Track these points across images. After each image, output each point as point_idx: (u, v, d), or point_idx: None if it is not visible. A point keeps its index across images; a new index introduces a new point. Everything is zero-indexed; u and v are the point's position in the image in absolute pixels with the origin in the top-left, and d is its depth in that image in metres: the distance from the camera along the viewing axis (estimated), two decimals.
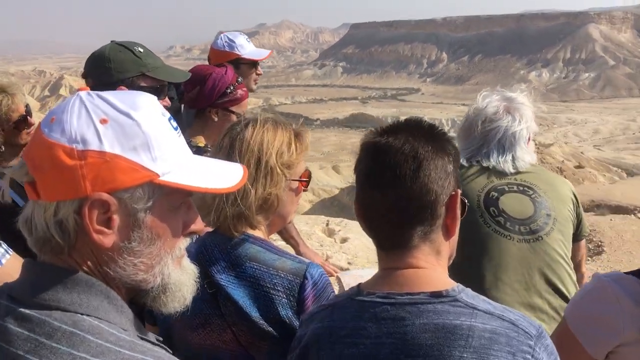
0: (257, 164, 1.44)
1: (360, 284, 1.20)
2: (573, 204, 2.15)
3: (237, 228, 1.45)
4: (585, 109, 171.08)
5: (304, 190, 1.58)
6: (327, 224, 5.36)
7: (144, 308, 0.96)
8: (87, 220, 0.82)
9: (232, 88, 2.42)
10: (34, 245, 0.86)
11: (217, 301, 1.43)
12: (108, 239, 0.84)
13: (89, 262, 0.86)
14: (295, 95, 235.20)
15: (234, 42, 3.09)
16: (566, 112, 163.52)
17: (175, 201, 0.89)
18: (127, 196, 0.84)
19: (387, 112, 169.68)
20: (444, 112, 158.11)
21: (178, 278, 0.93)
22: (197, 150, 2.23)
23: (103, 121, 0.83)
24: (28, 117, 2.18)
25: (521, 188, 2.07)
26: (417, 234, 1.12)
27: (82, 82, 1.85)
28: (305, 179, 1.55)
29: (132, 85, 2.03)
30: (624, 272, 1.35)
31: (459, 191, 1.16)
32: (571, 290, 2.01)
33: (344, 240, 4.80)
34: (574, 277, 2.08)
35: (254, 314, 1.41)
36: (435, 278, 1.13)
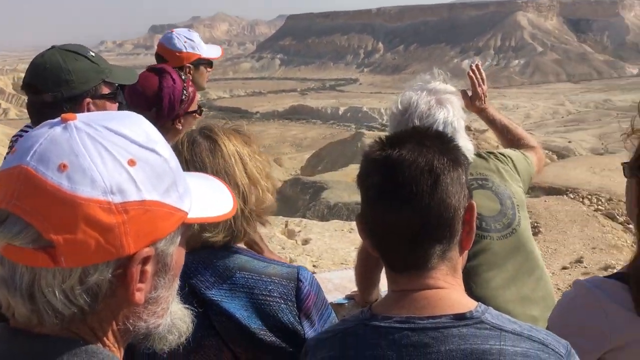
0: (245, 172, 1.42)
1: (371, 306, 1.12)
2: (516, 169, 2.16)
3: (229, 241, 1.41)
4: (516, 95, 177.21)
5: None
6: (286, 225, 5.27)
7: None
8: (131, 282, 0.73)
9: (185, 92, 2.34)
10: (30, 316, 0.71)
11: (209, 319, 1.36)
12: (142, 294, 0.75)
13: (105, 325, 0.76)
14: (233, 88, 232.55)
15: (193, 41, 3.00)
16: (499, 98, 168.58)
17: (186, 234, 0.83)
18: (163, 243, 0.76)
19: (326, 103, 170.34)
20: (382, 101, 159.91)
21: (177, 309, 0.86)
22: None
23: (131, 162, 0.71)
24: None
25: (479, 182, 2.04)
26: (436, 254, 1.06)
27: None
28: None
29: (95, 95, 1.94)
30: (605, 277, 1.34)
31: (474, 203, 1.10)
32: (542, 264, 2.10)
33: (305, 242, 4.73)
34: (539, 252, 2.14)
35: (254, 324, 1.36)
36: (456, 299, 1.07)
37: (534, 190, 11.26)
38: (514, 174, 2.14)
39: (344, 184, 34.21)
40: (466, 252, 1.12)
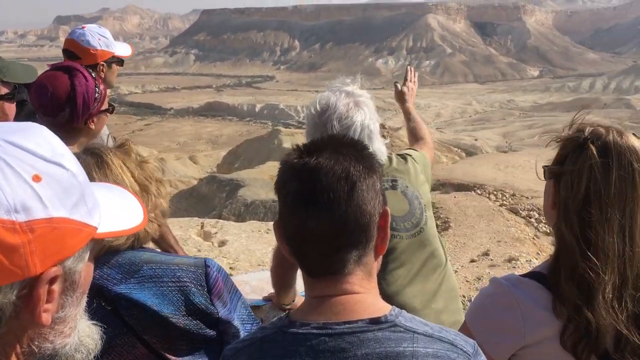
0: (134, 179, 1.46)
1: (289, 313, 1.14)
2: (422, 170, 2.26)
3: (132, 244, 1.43)
4: (427, 94, 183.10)
5: None
6: (202, 227, 5.18)
7: None
8: (37, 304, 0.68)
9: (97, 90, 2.24)
10: None
11: (119, 316, 1.36)
12: (49, 315, 0.70)
13: (8, 350, 0.70)
14: (145, 84, 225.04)
15: (107, 38, 2.94)
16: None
17: (96, 249, 0.79)
18: (71, 261, 0.72)
19: (242, 100, 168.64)
20: (298, 99, 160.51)
21: (84, 327, 0.81)
22: None
23: (36, 178, 0.66)
24: None
25: (390, 184, 2.12)
26: (352, 259, 1.08)
27: None
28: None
29: None
30: (521, 275, 1.38)
31: (388, 209, 1.12)
32: (445, 260, 2.24)
33: (222, 244, 4.66)
34: (443, 249, 2.26)
35: (166, 310, 1.36)
36: (371, 303, 1.10)
37: (444, 186, 11.71)
38: (420, 174, 2.23)
39: (260, 182, 34.06)
40: (381, 256, 1.15)
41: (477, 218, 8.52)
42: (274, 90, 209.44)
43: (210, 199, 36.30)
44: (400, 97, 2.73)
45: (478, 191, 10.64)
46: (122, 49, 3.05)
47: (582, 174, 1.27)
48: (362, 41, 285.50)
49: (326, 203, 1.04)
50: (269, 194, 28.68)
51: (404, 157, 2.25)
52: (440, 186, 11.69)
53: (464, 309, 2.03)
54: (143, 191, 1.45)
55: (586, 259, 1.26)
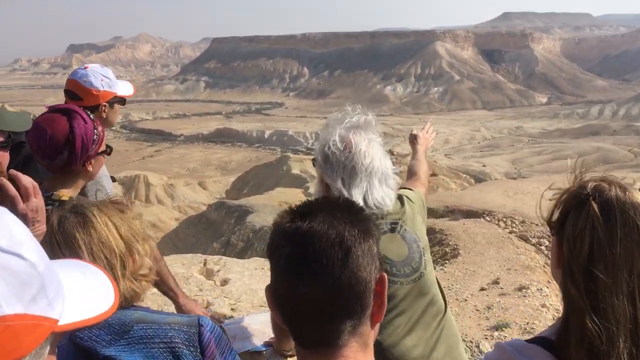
0: (120, 237, 1.42)
1: None
2: (419, 211, 2.23)
3: (121, 305, 1.39)
4: (436, 121, 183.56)
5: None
6: (205, 264, 5.15)
7: None
8: None
9: (96, 132, 2.20)
10: None
11: None
12: None
13: None
14: (156, 110, 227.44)
15: (110, 79, 2.91)
16: (420, 124, 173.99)
17: (58, 340, 0.73)
18: (28, 358, 0.65)
19: (252, 126, 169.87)
20: (307, 125, 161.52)
21: None
22: (60, 206, 2.03)
23: None
24: None
25: (389, 226, 2.07)
26: (347, 329, 1.02)
27: None
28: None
29: None
30: (527, 340, 1.33)
31: (385, 275, 1.07)
32: (445, 305, 2.17)
33: (224, 282, 4.59)
34: (441, 294, 2.20)
35: None
36: None
37: (453, 213, 11.65)
38: (417, 215, 2.19)
39: (269, 208, 34.07)
40: (377, 325, 1.10)
41: (486, 245, 8.45)
42: (283, 117, 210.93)
43: (219, 225, 36.31)
44: (413, 139, 2.86)
45: (487, 218, 10.57)
46: (125, 89, 3.03)
47: (585, 234, 1.22)
48: (371, 68, 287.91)
49: (319, 269, 1.00)
50: None
51: (400, 198, 2.18)
52: (449, 213, 11.63)
53: (471, 356, 1.99)
54: (129, 249, 1.42)
55: (596, 324, 1.18)
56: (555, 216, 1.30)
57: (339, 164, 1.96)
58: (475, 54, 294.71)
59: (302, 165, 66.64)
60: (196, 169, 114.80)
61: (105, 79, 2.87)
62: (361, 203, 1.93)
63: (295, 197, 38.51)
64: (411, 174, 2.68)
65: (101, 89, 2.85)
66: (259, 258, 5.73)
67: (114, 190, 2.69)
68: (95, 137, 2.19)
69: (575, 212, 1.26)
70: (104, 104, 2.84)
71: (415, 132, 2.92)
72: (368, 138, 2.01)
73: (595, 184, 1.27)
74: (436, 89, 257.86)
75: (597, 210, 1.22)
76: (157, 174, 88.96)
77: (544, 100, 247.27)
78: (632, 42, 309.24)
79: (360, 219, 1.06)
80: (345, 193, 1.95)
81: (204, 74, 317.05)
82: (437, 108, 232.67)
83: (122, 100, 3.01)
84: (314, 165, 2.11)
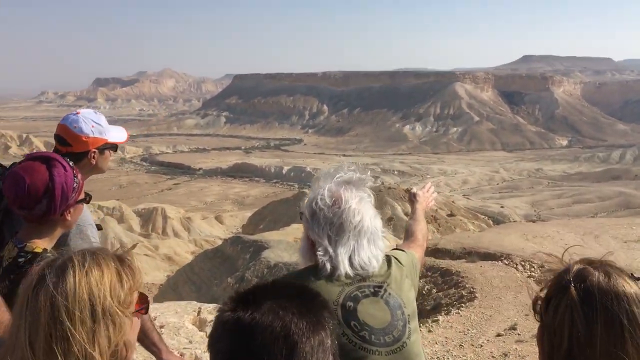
0: (92, 316, 1.18)
1: None
2: (409, 274, 2.06)
3: None
4: (454, 161, 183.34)
5: (144, 314, 1.33)
6: (199, 312, 5.03)
7: None
8: None
9: (76, 180, 2.15)
10: None
11: None
12: None
13: None
14: (177, 144, 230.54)
15: (101, 125, 2.85)
16: (438, 164, 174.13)
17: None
18: None
19: (270, 162, 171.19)
20: (326, 162, 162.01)
21: None
22: (33, 258, 2.02)
23: None
24: None
25: (371, 290, 1.88)
26: None
27: None
28: (144, 306, 1.31)
29: None
30: None
31: None
32: None
33: None
34: None
35: None
36: None
37: (470, 255, 11.47)
38: (405, 279, 2.01)
39: (285, 244, 33.96)
40: None
41: (504, 289, 8.27)
42: (301, 153, 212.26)
43: (234, 259, 36.22)
44: (412, 198, 2.85)
45: (505, 261, 10.39)
46: (117, 135, 2.96)
47: (564, 326, 1.12)
48: (390, 107, 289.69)
49: None
50: (293, 257, 28.49)
51: (388, 259, 2.01)
52: (466, 254, 11.45)
53: None
54: (104, 316, 1.19)
55: None
56: (539, 301, 1.22)
57: (326, 220, 1.85)
58: (495, 96, 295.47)
59: None
60: (214, 203, 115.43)
61: (96, 125, 2.81)
62: (346, 263, 1.83)
63: None
64: (408, 234, 2.57)
65: (91, 135, 2.78)
66: None
67: (97, 239, 2.61)
68: (75, 185, 2.14)
69: (556, 299, 1.17)
70: (94, 150, 2.79)
71: (414, 190, 2.87)
72: (359, 196, 1.91)
73: (579, 267, 1.18)
74: (455, 129, 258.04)
75: (576, 299, 1.13)
76: (175, 207, 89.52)
77: (565, 143, 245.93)
78: None
79: (311, 309, 0.96)
80: (331, 251, 1.83)
81: (225, 109, 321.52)
82: (455, 148, 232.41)
83: (113, 147, 2.94)
84: (300, 219, 1.98)
